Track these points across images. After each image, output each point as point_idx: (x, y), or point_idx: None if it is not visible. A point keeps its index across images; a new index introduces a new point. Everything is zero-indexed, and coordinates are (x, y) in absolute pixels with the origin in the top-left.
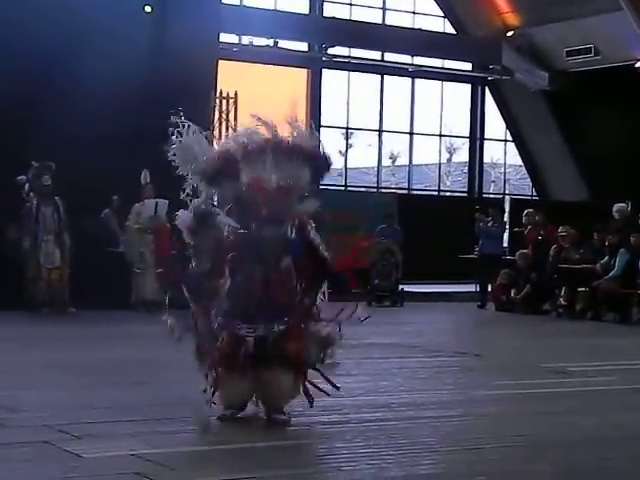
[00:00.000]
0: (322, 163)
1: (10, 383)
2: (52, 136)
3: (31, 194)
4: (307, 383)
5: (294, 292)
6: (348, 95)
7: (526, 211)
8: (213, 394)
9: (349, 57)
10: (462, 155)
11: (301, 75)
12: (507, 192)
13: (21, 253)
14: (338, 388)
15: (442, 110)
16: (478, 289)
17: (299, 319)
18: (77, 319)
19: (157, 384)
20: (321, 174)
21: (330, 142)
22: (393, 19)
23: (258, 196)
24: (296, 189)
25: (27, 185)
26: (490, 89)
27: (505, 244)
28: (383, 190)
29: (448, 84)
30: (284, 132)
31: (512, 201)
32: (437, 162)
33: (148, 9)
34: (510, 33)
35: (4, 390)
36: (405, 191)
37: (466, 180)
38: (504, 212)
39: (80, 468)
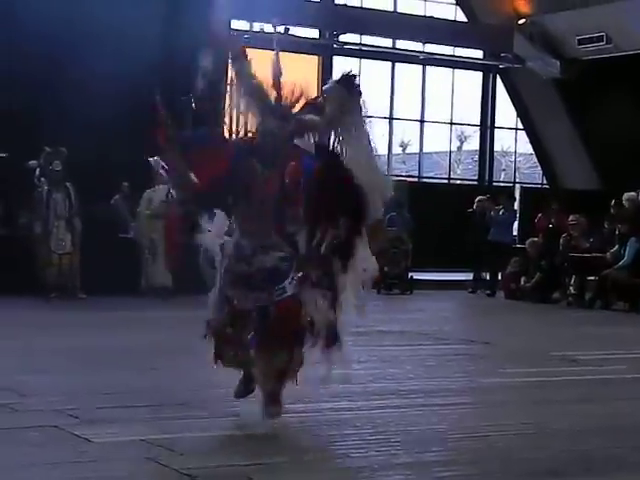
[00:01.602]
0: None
1: (20, 368)
2: (64, 122)
3: (42, 179)
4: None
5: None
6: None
7: (479, 197)
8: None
9: (360, 44)
10: (473, 143)
11: (312, 62)
12: (517, 180)
13: (32, 239)
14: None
15: (453, 98)
16: (483, 277)
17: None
18: (87, 305)
19: (167, 370)
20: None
21: None
22: (404, 6)
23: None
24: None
25: (38, 170)
26: (501, 77)
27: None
28: (393, 178)
29: (459, 72)
30: None
31: (522, 189)
32: (448, 150)
33: None
34: (522, 21)
35: (14, 374)
36: (415, 179)
37: (476, 168)
38: (514, 200)
39: (90, 453)
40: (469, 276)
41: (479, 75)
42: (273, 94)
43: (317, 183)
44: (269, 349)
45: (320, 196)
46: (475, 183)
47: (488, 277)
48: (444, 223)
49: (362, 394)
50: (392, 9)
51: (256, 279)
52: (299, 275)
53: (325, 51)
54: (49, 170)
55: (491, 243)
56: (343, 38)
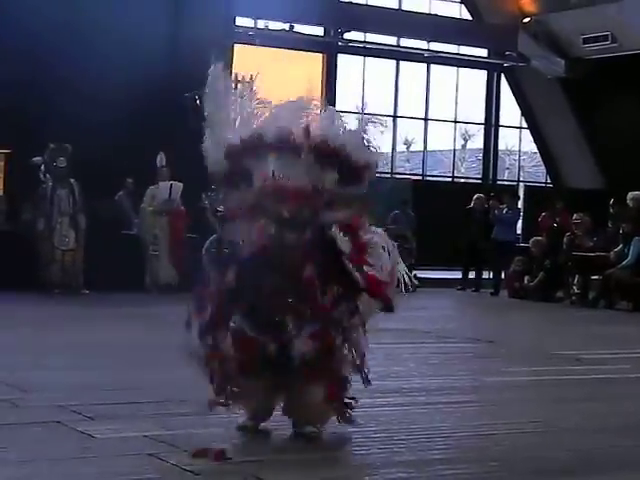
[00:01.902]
0: (350, 166)
1: (23, 363)
2: (68, 118)
3: (47, 176)
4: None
5: (320, 303)
6: (363, 80)
7: (477, 195)
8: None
9: (365, 42)
10: (477, 142)
11: (316, 60)
12: (521, 179)
13: (35, 235)
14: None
15: (457, 96)
16: (483, 276)
17: (329, 326)
18: (91, 301)
19: (171, 366)
20: (353, 178)
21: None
22: (409, 4)
23: (277, 196)
24: (321, 192)
25: (43, 166)
26: (506, 76)
27: (519, 231)
28: (397, 176)
29: (464, 70)
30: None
31: (526, 188)
32: (452, 148)
33: None
34: (526, 20)
35: (17, 370)
36: (419, 177)
37: (480, 167)
38: (518, 199)
39: (93, 449)
40: (472, 274)
41: (483, 73)
42: (288, 205)
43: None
44: (308, 385)
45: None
46: (479, 181)
47: (491, 275)
48: (448, 221)
49: (365, 392)
50: (397, 7)
51: (271, 317)
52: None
53: (329, 49)
54: (53, 166)
55: (495, 242)
56: (348, 36)
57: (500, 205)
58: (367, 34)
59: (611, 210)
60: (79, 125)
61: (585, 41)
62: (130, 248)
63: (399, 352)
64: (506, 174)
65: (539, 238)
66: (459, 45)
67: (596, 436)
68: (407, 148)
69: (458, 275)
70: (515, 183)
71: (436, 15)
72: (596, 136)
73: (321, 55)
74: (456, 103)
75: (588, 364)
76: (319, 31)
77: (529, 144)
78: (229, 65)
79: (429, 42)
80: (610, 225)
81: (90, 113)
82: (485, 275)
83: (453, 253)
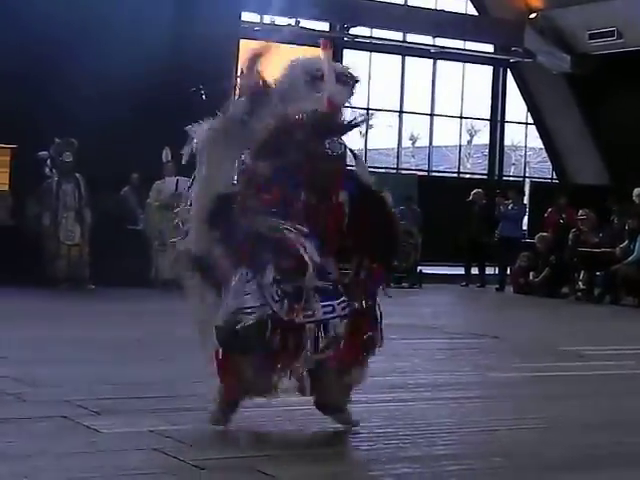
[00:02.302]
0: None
1: (29, 358)
2: (73, 113)
3: (54, 171)
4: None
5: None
6: (369, 75)
7: (475, 190)
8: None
9: (370, 37)
10: (483, 137)
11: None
12: (527, 175)
13: (41, 229)
14: None
15: (463, 92)
16: (490, 272)
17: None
18: (96, 296)
19: (176, 361)
20: None
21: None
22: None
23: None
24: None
25: (49, 161)
26: (512, 71)
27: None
28: (403, 171)
29: (469, 66)
30: None
31: (532, 184)
32: (457, 144)
33: None
34: (533, 15)
35: (23, 365)
36: (425, 173)
37: (486, 163)
38: (524, 194)
39: (98, 443)
40: (476, 270)
41: (489, 69)
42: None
43: (359, 215)
44: (344, 365)
45: (360, 228)
46: (485, 177)
47: (497, 271)
48: (453, 217)
49: (370, 387)
50: (403, 2)
51: (307, 293)
52: (344, 299)
53: (335, 44)
54: (59, 161)
55: (500, 237)
56: (353, 31)
57: (506, 201)
58: (373, 29)
59: (608, 204)
60: (84, 120)
61: (591, 37)
62: (135, 243)
63: (404, 348)
64: (512, 170)
65: (545, 234)
66: (465, 41)
67: (600, 432)
68: (413, 144)
69: (463, 271)
70: (521, 179)
71: (442, 10)
72: (602, 132)
73: None
74: (462, 99)
75: (593, 360)
76: (325, 26)
77: (535, 140)
78: (235, 60)
79: (435, 38)
80: (616, 221)
81: (95, 108)
82: (490, 271)
83: (454, 250)
